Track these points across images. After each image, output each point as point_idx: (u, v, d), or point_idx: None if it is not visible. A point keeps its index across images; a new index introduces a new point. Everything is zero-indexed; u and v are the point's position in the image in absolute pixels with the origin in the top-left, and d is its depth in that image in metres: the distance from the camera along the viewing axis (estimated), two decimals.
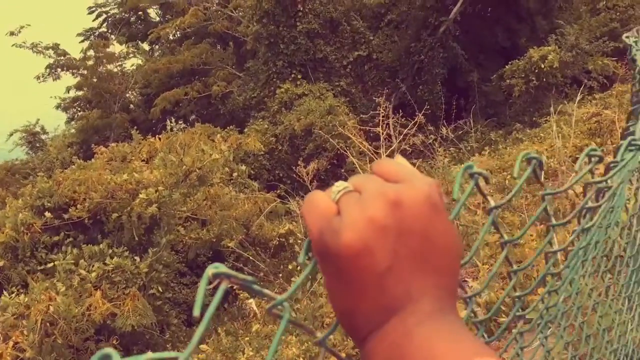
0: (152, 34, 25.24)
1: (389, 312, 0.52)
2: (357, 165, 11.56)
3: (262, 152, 16.22)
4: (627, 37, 1.52)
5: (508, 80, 17.36)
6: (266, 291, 0.54)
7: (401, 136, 12.05)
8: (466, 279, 6.60)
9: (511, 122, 17.20)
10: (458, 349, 0.50)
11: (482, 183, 0.73)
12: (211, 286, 0.48)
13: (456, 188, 0.67)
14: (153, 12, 30.00)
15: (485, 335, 1.00)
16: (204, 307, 0.46)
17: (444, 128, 14.79)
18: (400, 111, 14.51)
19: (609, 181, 0.92)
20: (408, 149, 12.28)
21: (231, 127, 17.77)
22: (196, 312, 0.46)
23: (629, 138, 0.94)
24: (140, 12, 29.24)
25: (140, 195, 9.46)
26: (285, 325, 0.55)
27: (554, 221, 0.88)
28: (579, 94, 12.32)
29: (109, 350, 0.42)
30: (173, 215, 10.26)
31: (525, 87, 16.77)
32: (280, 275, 10.44)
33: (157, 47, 29.02)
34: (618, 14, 19.65)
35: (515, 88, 16.97)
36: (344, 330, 0.56)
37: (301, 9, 18.96)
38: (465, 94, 20.60)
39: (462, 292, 0.81)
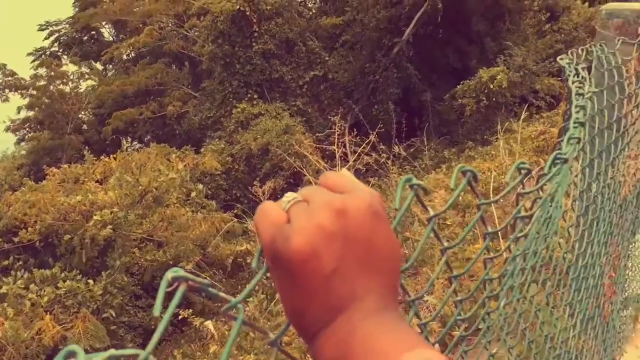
0: (106, 54, 24.83)
1: (335, 311, 0.56)
2: (314, 184, 11.56)
3: (219, 172, 16.13)
4: (562, 58, 1.64)
5: (460, 100, 17.76)
6: (221, 294, 0.59)
7: (356, 154, 12.18)
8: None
9: (464, 140, 17.54)
10: (399, 341, 0.54)
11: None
12: (170, 289, 0.52)
13: (397, 198, 0.72)
14: (106, 32, 29.58)
15: (431, 340, 1.06)
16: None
17: (397, 146, 15.02)
18: (356, 130, 14.69)
19: (540, 192, 1.01)
20: (362, 168, 12.39)
21: (187, 147, 17.61)
22: (156, 312, 0.49)
23: (555, 152, 1.03)
24: (93, 32, 28.75)
25: (95, 217, 9.28)
26: (239, 325, 0.59)
27: (489, 229, 0.96)
28: (524, 112, 12.69)
29: (74, 346, 0.45)
30: (128, 237, 10.07)
31: (476, 107, 17.20)
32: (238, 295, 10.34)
33: (110, 66, 28.53)
34: (563, 35, 20.34)
35: (467, 107, 17.39)
36: (295, 329, 0.60)
37: (257, 29, 19.03)
38: (419, 113, 20.95)
39: (407, 296, 0.86)
